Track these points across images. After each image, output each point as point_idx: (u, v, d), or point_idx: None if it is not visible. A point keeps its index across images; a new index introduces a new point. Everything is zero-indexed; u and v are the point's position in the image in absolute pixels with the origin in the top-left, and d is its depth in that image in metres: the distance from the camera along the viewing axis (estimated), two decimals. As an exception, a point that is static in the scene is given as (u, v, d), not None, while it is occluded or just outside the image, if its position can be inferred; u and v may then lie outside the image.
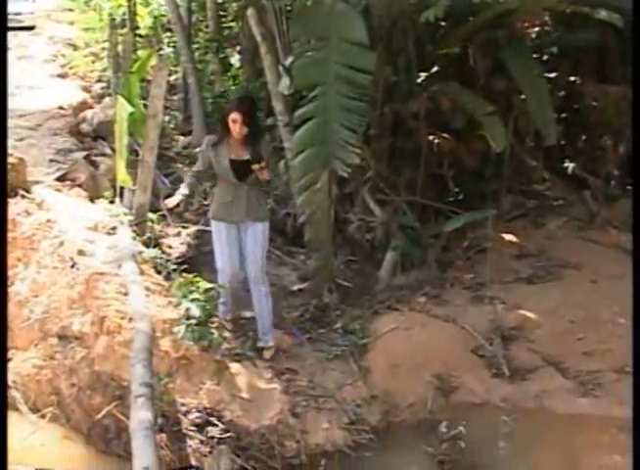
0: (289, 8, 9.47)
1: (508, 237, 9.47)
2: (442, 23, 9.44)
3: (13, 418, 6.91)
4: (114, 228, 8.11)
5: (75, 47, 17.51)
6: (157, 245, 8.39)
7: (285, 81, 8.92)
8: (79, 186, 9.22)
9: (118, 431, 6.36)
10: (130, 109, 8.51)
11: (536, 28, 10.32)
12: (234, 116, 6.94)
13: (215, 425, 6.36)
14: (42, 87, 13.30)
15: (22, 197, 8.14)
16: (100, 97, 13.21)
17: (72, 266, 7.25)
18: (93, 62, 16.21)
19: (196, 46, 14.34)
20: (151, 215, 8.93)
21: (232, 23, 14.88)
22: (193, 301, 6.90)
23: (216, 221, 7.36)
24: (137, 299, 6.67)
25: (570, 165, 10.73)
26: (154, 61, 9.62)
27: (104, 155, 10.50)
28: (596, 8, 8.19)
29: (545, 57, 10.32)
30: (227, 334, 6.80)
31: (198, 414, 6.41)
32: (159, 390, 6.18)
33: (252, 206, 7.23)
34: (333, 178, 8.14)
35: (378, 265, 8.94)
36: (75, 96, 12.84)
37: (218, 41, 14.38)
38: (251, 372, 6.97)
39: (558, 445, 6.43)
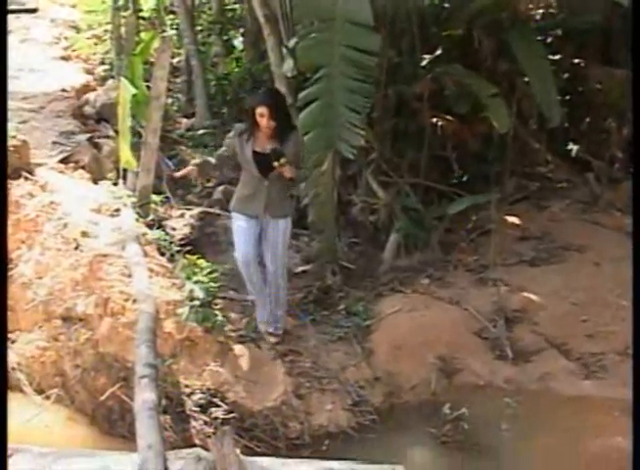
0: (292, -11, 9.43)
1: (511, 219, 9.46)
2: (446, 5, 9.41)
3: (17, 400, 6.94)
4: (117, 210, 8.12)
5: (78, 29, 17.50)
6: (160, 227, 8.40)
7: (288, 63, 8.90)
8: (82, 168, 9.22)
9: (123, 412, 6.38)
10: (133, 90, 8.50)
11: (541, 10, 10.30)
12: (261, 110, 6.70)
13: (219, 406, 6.39)
14: (45, 70, 13.29)
15: (26, 179, 8.13)
16: (103, 79, 13.21)
17: (76, 248, 7.25)
18: (96, 44, 16.20)
19: (199, 28, 14.35)
20: (154, 197, 8.94)
21: (235, 5, 14.88)
22: (196, 282, 6.93)
23: (236, 213, 7.11)
24: (141, 280, 6.68)
25: (573, 148, 10.71)
26: (156, 43, 9.59)
27: (107, 137, 10.49)
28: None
29: (549, 39, 10.29)
30: (232, 315, 6.78)
31: (201, 395, 6.43)
32: (162, 371, 6.20)
33: (272, 201, 6.94)
34: (336, 160, 8.14)
35: (381, 247, 8.94)
36: (78, 78, 12.84)
37: (221, 23, 14.38)
38: (254, 354, 6.98)
39: (561, 426, 6.42)
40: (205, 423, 6.29)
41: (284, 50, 9.01)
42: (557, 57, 10.16)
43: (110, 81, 12.03)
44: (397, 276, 8.51)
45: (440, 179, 9.77)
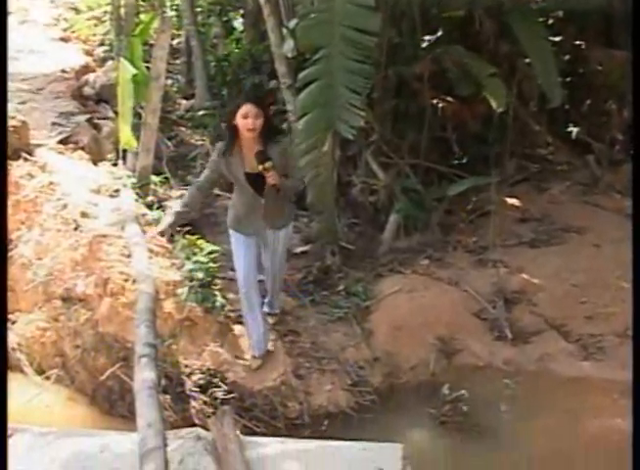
0: (292, -31, 9.39)
1: (511, 201, 9.46)
2: (447, -14, 9.37)
3: (18, 380, 6.99)
4: (117, 191, 8.12)
5: (78, 11, 17.37)
6: (160, 207, 8.39)
7: (288, 44, 8.86)
8: (82, 149, 9.20)
9: (122, 392, 6.42)
10: (133, 71, 8.47)
11: (541, -8, 10.24)
12: (245, 109, 6.02)
13: (219, 386, 6.41)
14: (44, 51, 13.22)
15: (25, 160, 8.14)
16: (102, 60, 13.13)
17: (76, 229, 7.26)
18: (95, 25, 16.08)
19: (199, 9, 14.24)
20: (154, 178, 8.94)
21: (235, -14, 14.79)
22: (196, 263, 6.93)
23: (233, 231, 6.62)
24: (140, 261, 6.70)
25: (574, 130, 10.70)
26: (156, 24, 9.54)
27: (106, 118, 10.46)
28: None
29: (550, 21, 10.24)
30: (232, 295, 6.78)
31: (201, 375, 6.47)
32: (162, 351, 6.22)
33: (272, 215, 6.44)
34: (336, 141, 8.12)
35: (381, 228, 8.92)
36: (78, 60, 12.77)
37: (221, 4, 14.30)
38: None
39: (559, 407, 6.46)
40: (205, 403, 6.32)
41: (284, 30, 8.97)
42: (558, 39, 10.11)
43: (109, 62, 11.95)
44: (397, 257, 8.50)
45: (441, 160, 9.74)
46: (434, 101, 9.53)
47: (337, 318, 7.47)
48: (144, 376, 4.94)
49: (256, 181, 6.26)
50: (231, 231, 6.64)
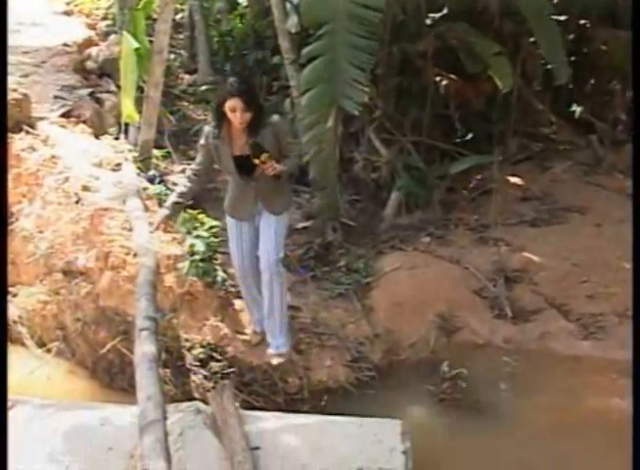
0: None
1: (513, 179, 9.46)
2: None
3: (19, 353, 7.01)
4: (118, 164, 8.10)
5: (80, -16, 17.32)
6: (161, 181, 8.38)
7: (292, 19, 8.86)
8: (84, 122, 9.17)
9: (123, 365, 6.43)
10: (135, 44, 8.45)
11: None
12: (232, 102, 5.78)
13: (219, 361, 6.42)
14: (47, 24, 13.15)
15: (27, 133, 8.11)
16: (105, 34, 13.07)
17: (77, 202, 7.25)
18: (98, -1, 16.04)
19: (202, -17, 14.19)
20: (155, 152, 8.93)
21: (239, -40, 14.70)
22: (197, 237, 6.93)
23: (229, 217, 6.40)
24: (141, 234, 6.69)
25: (577, 109, 10.69)
26: (159, -3, 9.50)
27: (109, 92, 10.42)
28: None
29: (555, 0, 10.19)
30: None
31: (201, 350, 6.47)
32: (163, 325, 6.23)
33: (265, 202, 6.18)
34: (339, 117, 8.10)
35: (382, 205, 8.92)
36: (80, 33, 12.71)
37: (225, -22, 14.23)
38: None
39: (559, 386, 6.47)
40: (205, 377, 6.33)
41: (288, 6, 8.95)
42: (562, 18, 10.07)
43: (112, 36, 11.90)
44: (398, 234, 8.50)
45: (443, 138, 9.74)
46: (438, 78, 9.51)
47: (337, 294, 7.47)
48: (144, 349, 4.95)
49: (245, 165, 6.01)
50: (227, 217, 6.45)
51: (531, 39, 9.37)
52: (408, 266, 7.73)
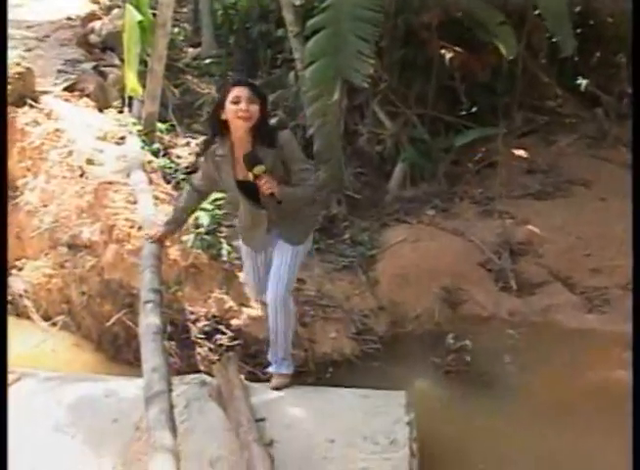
0: None
1: (518, 152, 9.43)
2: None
3: (25, 326, 7.04)
4: (122, 138, 8.09)
5: (83, -43, 17.23)
6: (165, 154, 8.37)
7: (296, -9, 8.80)
8: (88, 96, 9.14)
9: (128, 338, 6.44)
10: (139, 17, 8.41)
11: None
12: (236, 92, 4.84)
13: (224, 333, 6.42)
14: (50, -2, 13.14)
15: (31, 107, 8.08)
16: (108, 9, 13.02)
17: (81, 176, 7.25)
18: (102, -28, 15.96)
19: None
20: (159, 125, 8.91)
21: None
22: (202, 209, 6.91)
23: (241, 242, 5.64)
24: (146, 207, 6.68)
25: (582, 82, 10.64)
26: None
27: (112, 65, 10.40)
28: None
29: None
30: (237, 242, 6.76)
31: (206, 322, 6.47)
32: (168, 298, 6.23)
33: (279, 230, 5.27)
34: (343, 90, 8.07)
35: (387, 178, 8.92)
36: (84, 7, 12.67)
37: (230, -49, 14.15)
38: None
39: (563, 359, 6.48)
40: (210, 350, 6.34)
41: (291, -22, 8.89)
42: (569, -11, 10.01)
43: (115, 10, 11.87)
44: (403, 207, 8.51)
45: (448, 110, 9.72)
46: (443, 51, 9.46)
47: (342, 267, 7.49)
48: (149, 321, 4.95)
49: (251, 191, 5.08)
50: (240, 242, 5.70)
51: (537, 12, 9.30)
52: (413, 239, 7.74)
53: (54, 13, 12.06)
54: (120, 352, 6.56)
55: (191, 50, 12.98)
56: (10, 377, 5.17)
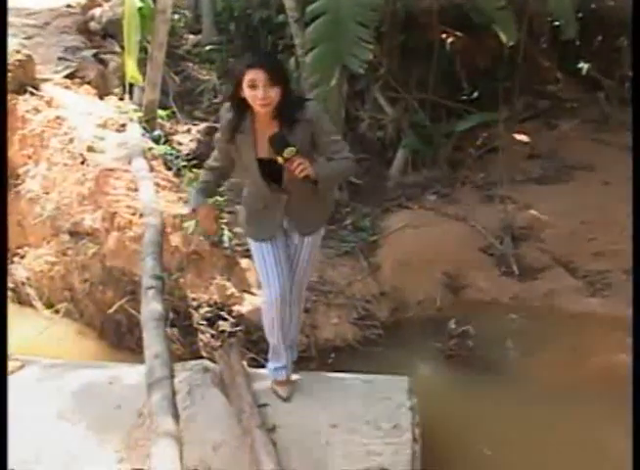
0: None
1: (520, 137, 9.43)
2: None
3: (27, 314, 7.06)
4: (123, 125, 8.09)
5: (83, -56, 17.15)
6: (166, 141, 8.37)
7: (296, -24, 8.75)
8: (88, 83, 9.14)
9: (130, 325, 6.44)
10: (139, 4, 8.38)
11: None
12: (252, 75, 4.24)
13: (226, 319, 6.43)
14: (49, -15, 13.10)
15: (32, 94, 8.07)
16: (108, -4, 13.03)
17: (82, 163, 7.25)
18: (101, -41, 15.90)
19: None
20: (160, 112, 8.91)
21: None
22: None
23: (250, 239, 4.94)
24: (147, 194, 6.69)
25: (584, 66, 10.61)
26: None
27: (113, 53, 10.39)
28: None
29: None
30: (238, 229, 6.76)
31: (208, 309, 6.48)
32: (170, 285, 6.24)
33: (293, 220, 4.80)
34: (344, 75, 8.05)
35: (388, 163, 8.92)
36: (84, -5, 12.65)
37: (229, -64, 14.09)
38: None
39: (565, 343, 6.47)
40: (212, 336, 6.34)
41: (291, -37, 8.85)
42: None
43: (115, -3, 11.87)
44: (404, 192, 8.52)
45: (449, 96, 9.71)
46: (443, 36, 9.44)
47: (344, 253, 7.50)
48: (151, 308, 4.96)
49: (272, 171, 4.56)
50: (248, 239, 5.05)
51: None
52: (414, 224, 7.74)
53: (54, 0, 12.02)
54: (123, 339, 6.57)
55: (191, 37, 12.93)
56: (13, 365, 5.19)
